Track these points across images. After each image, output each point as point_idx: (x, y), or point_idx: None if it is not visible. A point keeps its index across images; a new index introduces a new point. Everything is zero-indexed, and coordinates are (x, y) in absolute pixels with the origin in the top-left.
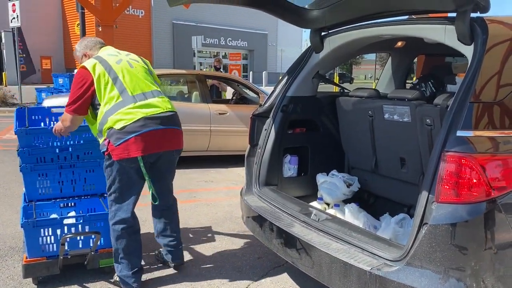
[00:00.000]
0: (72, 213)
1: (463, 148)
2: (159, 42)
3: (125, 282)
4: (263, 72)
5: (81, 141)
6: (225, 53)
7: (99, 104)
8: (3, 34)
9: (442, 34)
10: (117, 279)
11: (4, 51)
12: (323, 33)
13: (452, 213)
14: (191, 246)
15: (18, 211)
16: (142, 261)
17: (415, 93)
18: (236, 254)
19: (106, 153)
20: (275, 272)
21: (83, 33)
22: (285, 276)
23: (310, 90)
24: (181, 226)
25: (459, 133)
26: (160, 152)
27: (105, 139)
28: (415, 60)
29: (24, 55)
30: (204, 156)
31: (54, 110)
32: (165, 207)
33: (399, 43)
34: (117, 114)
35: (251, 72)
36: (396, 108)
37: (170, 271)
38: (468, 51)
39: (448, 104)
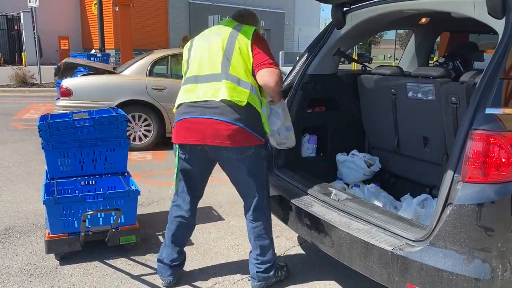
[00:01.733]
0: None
1: (492, 126)
2: (175, 22)
3: (158, 270)
4: (280, 52)
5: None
6: None
7: None
8: (22, 14)
9: (472, 7)
10: None
11: (23, 31)
12: (345, 9)
13: (479, 193)
14: (210, 225)
15: (40, 188)
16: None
17: (440, 71)
18: None
19: None
20: (293, 251)
21: (101, 13)
22: (303, 254)
23: (331, 67)
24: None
25: (488, 110)
26: (193, 144)
27: None
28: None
29: (36, 37)
30: None
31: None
32: (195, 206)
33: (423, 20)
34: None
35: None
36: (420, 86)
37: (188, 246)
38: (498, 25)
39: (476, 81)
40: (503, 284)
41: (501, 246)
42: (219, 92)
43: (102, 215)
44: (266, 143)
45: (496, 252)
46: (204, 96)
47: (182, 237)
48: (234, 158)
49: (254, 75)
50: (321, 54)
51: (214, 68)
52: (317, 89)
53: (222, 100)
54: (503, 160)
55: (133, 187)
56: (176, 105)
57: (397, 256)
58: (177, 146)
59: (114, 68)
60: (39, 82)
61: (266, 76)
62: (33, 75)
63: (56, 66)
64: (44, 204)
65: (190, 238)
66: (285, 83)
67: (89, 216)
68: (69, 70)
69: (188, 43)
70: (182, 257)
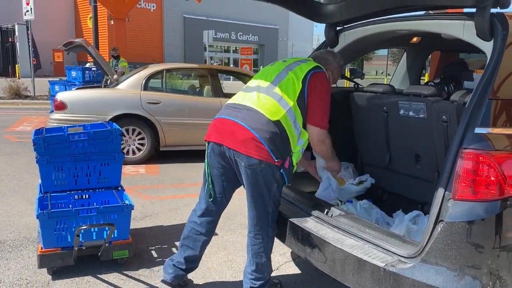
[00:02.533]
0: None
1: (481, 145)
2: (170, 36)
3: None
4: None
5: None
6: (235, 47)
7: None
8: (16, 27)
9: (461, 29)
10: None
11: (18, 43)
12: (338, 28)
13: (469, 210)
14: None
15: (32, 202)
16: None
17: (431, 89)
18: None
19: None
20: (287, 267)
21: (96, 27)
22: (297, 270)
23: None
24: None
25: (477, 130)
26: (218, 143)
27: None
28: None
29: (33, 49)
30: None
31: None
32: (211, 219)
33: (415, 39)
34: None
35: (261, 66)
36: (411, 104)
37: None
38: (487, 47)
39: (465, 101)
40: None
41: (491, 263)
42: (262, 105)
43: (96, 230)
44: (283, 167)
45: (486, 269)
46: (242, 101)
47: (192, 244)
48: (243, 166)
49: (302, 112)
50: None
51: (262, 82)
52: None
53: (253, 108)
54: (492, 178)
55: (126, 202)
56: None
57: (390, 272)
58: (209, 144)
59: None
60: (33, 94)
61: (314, 136)
62: (26, 87)
63: (70, 41)
64: (37, 218)
65: None
66: None
67: (82, 231)
68: (77, 48)
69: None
70: (188, 265)
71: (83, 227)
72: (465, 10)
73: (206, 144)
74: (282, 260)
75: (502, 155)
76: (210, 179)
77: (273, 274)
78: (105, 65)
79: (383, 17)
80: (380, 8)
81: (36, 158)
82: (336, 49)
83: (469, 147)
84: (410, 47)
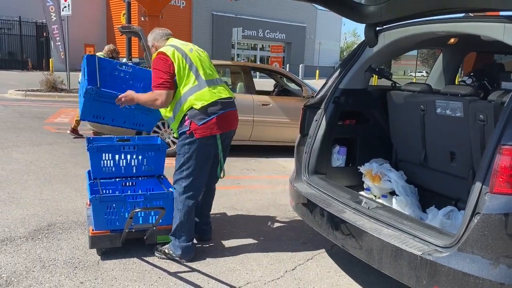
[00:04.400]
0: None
1: None
2: (198, 33)
3: (186, 251)
4: (300, 65)
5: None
6: (262, 45)
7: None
8: (48, 22)
9: (501, 32)
10: (168, 251)
11: (51, 38)
12: (378, 28)
13: (505, 203)
14: (239, 229)
15: (77, 188)
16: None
17: (469, 89)
18: (282, 239)
19: (188, 132)
20: (320, 257)
21: (128, 23)
22: (330, 261)
23: (362, 83)
24: (227, 210)
25: None
26: (230, 130)
27: (186, 120)
28: None
29: (59, 43)
30: (246, 145)
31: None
32: (213, 185)
33: (452, 40)
34: (195, 95)
35: (288, 64)
36: (449, 103)
37: (219, 250)
38: None
39: (504, 100)
40: None
41: None
42: (229, 91)
43: (142, 214)
44: None
45: None
46: (229, 94)
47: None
48: (231, 136)
49: None
50: (353, 70)
51: (215, 73)
52: (348, 103)
53: (230, 97)
54: None
55: (171, 189)
56: (205, 102)
57: (426, 260)
58: (218, 135)
59: None
60: (68, 87)
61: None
62: (62, 81)
63: (129, 25)
64: (90, 202)
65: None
66: (318, 96)
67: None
68: (131, 33)
69: (177, 52)
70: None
71: (137, 210)
72: (503, 13)
73: (218, 136)
74: (316, 251)
75: None
76: (222, 160)
77: (306, 263)
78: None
79: (424, 19)
80: (421, 10)
81: (87, 146)
82: (375, 49)
83: (508, 144)
84: (446, 48)
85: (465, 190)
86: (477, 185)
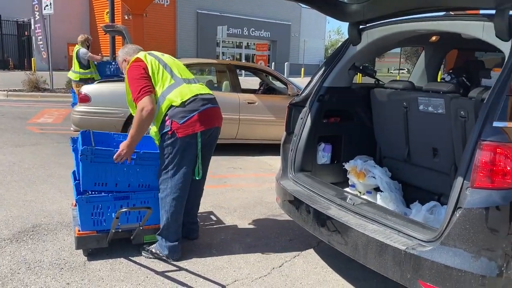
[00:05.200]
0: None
1: (498, 138)
2: (183, 31)
3: (173, 251)
4: (285, 63)
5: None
6: (247, 43)
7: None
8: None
9: (481, 30)
10: (155, 250)
11: (34, 37)
12: (361, 26)
13: (485, 198)
14: (225, 228)
15: (61, 189)
16: None
17: (450, 86)
18: (269, 236)
19: (170, 132)
20: (306, 254)
21: (112, 22)
22: (316, 257)
23: (346, 81)
24: (214, 209)
25: (495, 123)
26: (213, 128)
27: (166, 120)
28: None
29: (41, 43)
30: (232, 144)
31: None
32: (201, 185)
33: (434, 38)
34: (173, 93)
35: (273, 62)
36: (431, 100)
37: (206, 248)
38: (505, 47)
39: (483, 97)
40: (506, 282)
41: (506, 246)
42: (208, 89)
43: (129, 214)
44: None
45: (501, 251)
46: (207, 91)
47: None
48: (217, 134)
49: None
50: (337, 68)
51: (189, 74)
52: (332, 101)
53: (211, 93)
54: (508, 168)
55: None
56: (184, 97)
57: (410, 255)
58: (199, 133)
59: None
60: (51, 87)
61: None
62: (45, 81)
63: (113, 24)
64: (76, 202)
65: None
66: (303, 95)
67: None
68: (115, 32)
69: (149, 56)
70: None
71: (123, 210)
72: (483, 11)
73: (199, 134)
74: (302, 247)
75: None
76: (199, 160)
77: (293, 260)
78: None
79: (406, 17)
80: (403, 8)
81: (72, 146)
82: (359, 47)
83: (487, 139)
84: (428, 46)
85: (447, 185)
86: (459, 180)
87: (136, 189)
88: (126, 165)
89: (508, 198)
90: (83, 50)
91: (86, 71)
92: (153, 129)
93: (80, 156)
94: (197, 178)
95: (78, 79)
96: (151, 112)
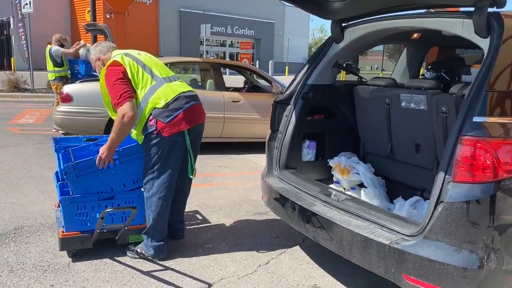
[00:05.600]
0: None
1: (478, 133)
2: (165, 30)
3: (158, 250)
4: (269, 62)
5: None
6: (231, 41)
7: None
8: (11, 20)
9: (460, 27)
10: (141, 250)
11: (13, 36)
12: (343, 24)
13: (466, 191)
14: (211, 226)
15: (44, 190)
16: None
17: (432, 83)
18: (255, 234)
19: (155, 132)
20: (292, 250)
21: (94, 20)
22: (302, 254)
23: (329, 78)
24: (199, 207)
25: (475, 119)
26: (198, 125)
27: (151, 120)
28: None
29: (24, 42)
30: (217, 142)
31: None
32: (186, 185)
33: (415, 35)
34: (155, 94)
35: (257, 61)
36: (413, 96)
37: (192, 247)
38: (484, 43)
39: (464, 93)
40: (487, 273)
41: (486, 239)
42: (189, 86)
43: (114, 214)
44: None
45: (482, 244)
46: (188, 88)
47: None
48: (201, 131)
49: None
50: (320, 66)
51: (169, 71)
52: (316, 99)
53: (193, 90)
54: (488, 162)
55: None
56: (168, 98)
57: (394, 249)
58: (186, 131)
59: None
60: (32, 87)
61: None
62: (25, 81)
63: (94, 23)
64: (60, 203)
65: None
66: (287, 92)
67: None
68: (97, 31)
69: (126, 57)
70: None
71: (108, 210)
72: (463, 9)
73: (186, 132)
74: (288, 244)
75: (497, 141)
76: (192, 158)
77: (279, 256)
78: None
79: (388, 15)
80: (385, 6)
81: (54, 147)
82: (341, 44)
83: (468, 134)
84: (410, 43)
85: (430, 180)
86: (441, 174)
87: (132, 186)
88: (112, 167)
89: (488, 191)
90: (55, 48)
91: (61, 68)
92: (134, 133)
93: (65, 175)
94: (191, 177)
95: (54, 77)
96: (132, 118)
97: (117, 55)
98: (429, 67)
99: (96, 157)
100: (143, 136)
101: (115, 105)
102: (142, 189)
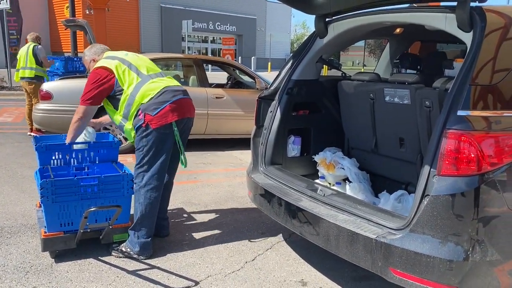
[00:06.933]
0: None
1: (463, 126)
2: (146, 26)
3: (144, 248)
4: (252, 58)
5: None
6: (213, 37)
7: (121, 91)
8: None
9: (443, 21)
10: (126, 249)
11: None
12: (327, 19)
13: (451, 184)
14: (197, 224)
15: (24, 190)
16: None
17: (415, 77)
18: (241, 230)
19: (143, 125)
20: (279, 246)
21: (73, 16)
22: (289, 249)
23: (313, 73)
24: (184, 205)
25: (459, 112)
26: (186, 118)
27: (139, 114)
28: None
29: (18, 36)
30: (201, 139)
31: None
32: (171, 178)
33: (398, 30)
34: (141, 91)
35: (240, 57)
36: (396, 91)
37: (178, 244)
38: (467, 38)
39: (447, 87)
40: (472, 265)
41: (471, 231)
42: (177, 82)
43: (98, 213)
44: None
45: (467, 237)
46: (175, 83)
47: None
48: (190, 126)
49: None
50: (304, 61)
51: (156, 69)
52: (301, 94)
53: (181, 85)
54: (472, 155)
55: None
56: (153, 93)
57: (381, 243)
58: (174, 123)
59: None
60: (9, 85)
61: None
62: (2, 78)
63: (74, 18)
64: (41, 203)
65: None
66: (271, 88)
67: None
68: (76, 27)
69: (113, 61)
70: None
71: (92, 209)
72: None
73: (174, 123)
74: (275, 240)
75: (481, 135)
76: (183, 149)
77: (266, 252)
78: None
79: (371, 9)
80: (368, 0)
81: (35, 145)
82: (325, 39)
83: (452, 128)
84: (393, 38)
85: (414, 174)
86: (426, 168)
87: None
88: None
89: (473, 184)
90: (41, 47)
91: (41, 68)
92: (127, 125)
93: (41, 191)
94: (184, 167)
95: (33, 75)
96: (80, 120)
97: (106, 60)
98: (396, 60)
99: (75, 177)
100: (134, 131)
101: (80, 100)
102: (134, 183)
